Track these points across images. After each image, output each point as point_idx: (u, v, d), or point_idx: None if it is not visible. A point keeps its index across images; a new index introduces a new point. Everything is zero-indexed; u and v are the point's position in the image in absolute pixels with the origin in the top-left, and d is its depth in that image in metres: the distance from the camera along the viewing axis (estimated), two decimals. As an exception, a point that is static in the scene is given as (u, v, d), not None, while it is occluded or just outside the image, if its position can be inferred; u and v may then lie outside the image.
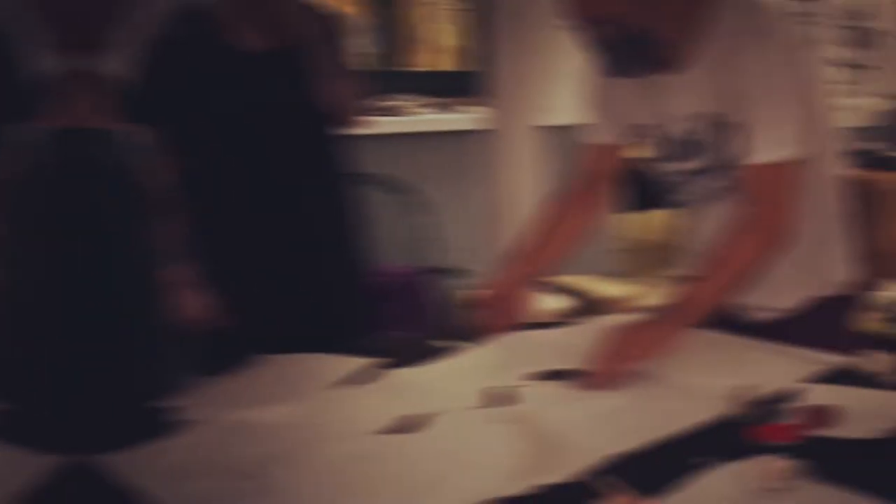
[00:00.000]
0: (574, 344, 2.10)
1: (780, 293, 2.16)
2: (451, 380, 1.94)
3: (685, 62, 2.05)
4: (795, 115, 1.96)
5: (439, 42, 5.91)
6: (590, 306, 4.16)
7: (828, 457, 1.49)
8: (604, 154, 2.31)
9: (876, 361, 1.96)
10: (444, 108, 4.56)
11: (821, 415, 1.60)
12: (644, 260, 6.59)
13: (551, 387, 1.89)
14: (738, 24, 2.00)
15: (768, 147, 1.95)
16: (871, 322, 4.25)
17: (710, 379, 1.85)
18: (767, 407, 1.70)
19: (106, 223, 1.99)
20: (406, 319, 2.91)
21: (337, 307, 2.63)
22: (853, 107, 5.90)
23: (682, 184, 2.19)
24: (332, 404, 1.82)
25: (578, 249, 2.34)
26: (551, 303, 4.08)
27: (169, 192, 2.41)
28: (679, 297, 1.96)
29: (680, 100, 2.09)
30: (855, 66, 5.84)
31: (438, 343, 2.14)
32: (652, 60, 2.02)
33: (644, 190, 7.05)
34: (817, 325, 2.17)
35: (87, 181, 1.96)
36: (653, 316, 1.95)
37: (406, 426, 1.68)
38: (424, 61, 6.12)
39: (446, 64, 5.81)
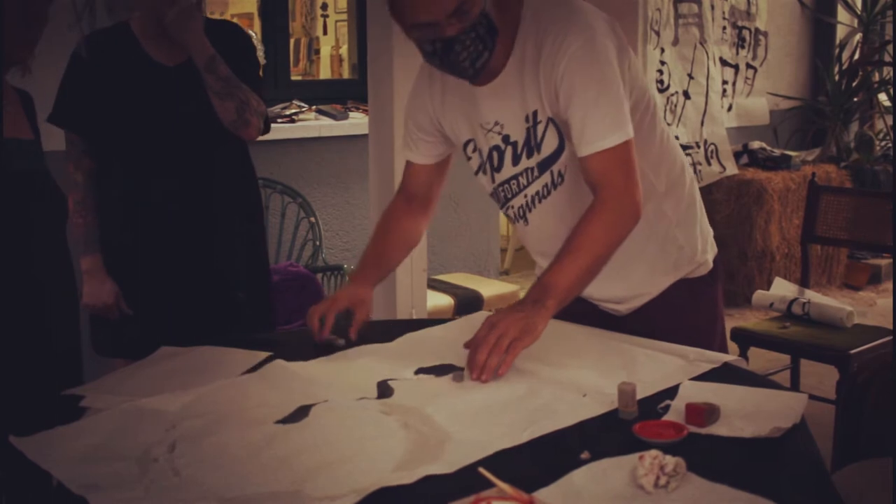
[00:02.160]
0: (459, 340, 2.13)
1: (642, 282, 2.24)
2: (342, 373, 1.99)
3: (502, 66, 2.06)
4: (617, 97, 1.97)
5: (331, 52, 5.92)
6: (474, 303, 4.19)
7: (709, 454, 1.53)
8: (421, 171, 2.33)
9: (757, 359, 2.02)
10: (335, 114, 4.60)
11: (703, 412, 1.64)
12: (524, 258, 6.68)
13: (438, 381, 1.94)
14: (541, 18, 2.03)
15: (600, 134, 1.96)
16: (754, 320, 4.38)
17: (597, 375, 1.88)
18: (652, 404, 1.73)
19: (30, 224, 2.08)
20: (298, 315, 2.95)
21: (239, 303, 2.73)
22: (740, 106, 6.06)
23: (516, 189, 2.18)
24: (230, 394, 1.86)
25: (405, 256, 2.42)
26: (438, 300, 4.10)
27: (81, 191, 2.55)
28: (540, 283, 1.97)
29: (502, 103, 2.09)
30: (740, 66, 5.98)
31: (328, 338, 2.17)
32: (473, 65, 1.99)
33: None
34: (679, 305, 2.25)
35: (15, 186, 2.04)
36: (518, 304, 1.95)
37: (299, 416, 1.73)
38: (316, 70, 6.12)
39: (338, 73, 5.82)
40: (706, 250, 2.29)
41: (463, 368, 1.94)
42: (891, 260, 6.31)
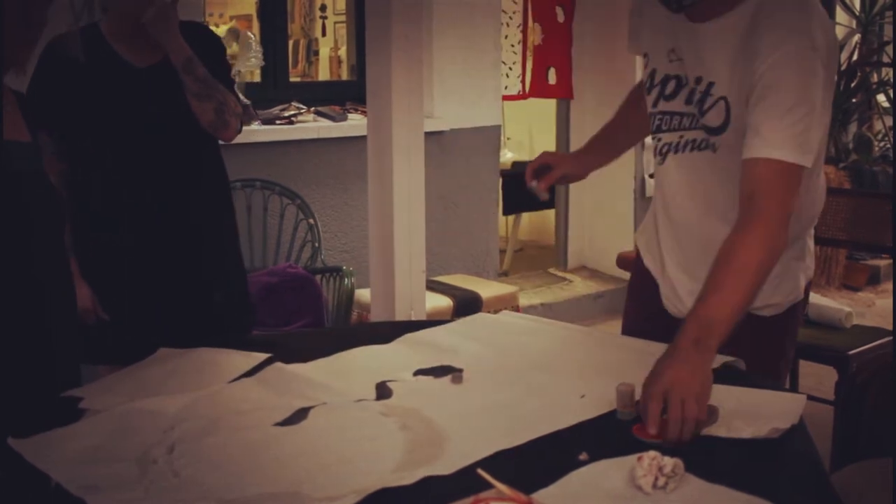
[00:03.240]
0: (458, 341, 2.14)
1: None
2: (340, 374, 1.99)
3: (716, 14, 1.98)
4: (810, 118, 1.88)
5: (330, 53, 5.93)
6: (472, 304, 4.19)
7: (708, 454, 1.53)
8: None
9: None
10: (334, 116, 4.60)
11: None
12: (523, 260, 6.68)
13: (437, 382, 1.94)
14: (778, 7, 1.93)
15: (781, 144, 1.85)
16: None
17: (596, 376, 1.89)
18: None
19: (30, 226, 2.07)
20: (297, 316, 2.95)
21: (217, 305, 2.71)
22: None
23: (675, 126, 2.11)
24: (229, 396, 1.86)
25: (635, 142, 2.51)
26: (437, 301, 4.10)
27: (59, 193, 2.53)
28: (700, 317, 1.75)
29: (699, 46, 2.02)
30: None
31: (328, 339, 2.16)
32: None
33: (520, 193, 7.12)
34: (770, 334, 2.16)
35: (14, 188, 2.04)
36: (680, 346, 1.73)
37: (298, 418, 1.73)
38: (315, 72, 6.12)
39: (336, 74, 5.82)
40: (805, 280, 2.21)
41: (462, 370, 1.94)
42: (889, 261, 6.31)
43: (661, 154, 2.15)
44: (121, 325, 2.61)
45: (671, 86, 2.10)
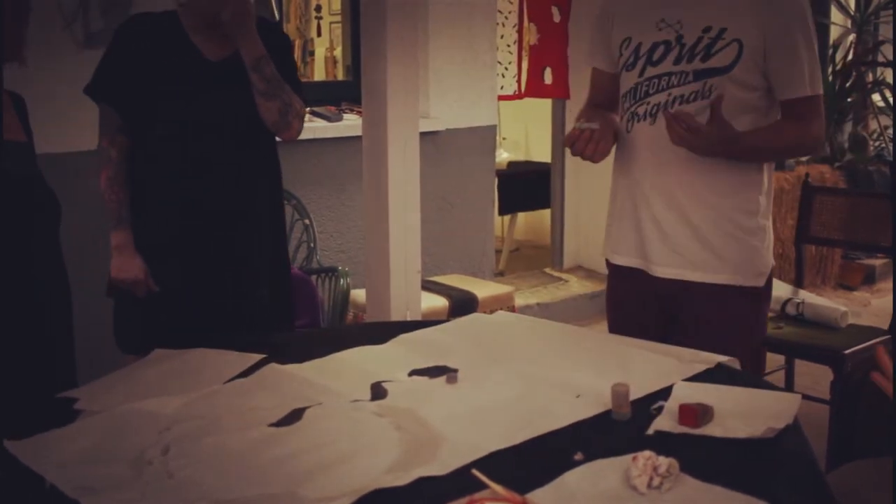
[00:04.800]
0: (454, 342, 2.14)
1: (714, 255, 2.38)
2: (336, 375, 1.99)
3: None
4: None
5: (325, 53, 5.92)
6: (468, 305, 4.19)
7: (703, 454, 1.53)
8: (605, 78, 2.56)
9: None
10: (329, 116, 4.59)
11: (696, 413, 1.64)
12: (518, 260, 6.68)
13: (433, 382, 1.95)
14: None
15: (815, 81, 2.32)
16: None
17: (591, 376, 1.89)
18: (646, 405, 1.73)
19: (26, 228, 2.08)
20: (296, 317, 2.95)
21: (262, 301, 2.71)
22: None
23: (663, 86, 2.36)
24: (225, 397, 1.86)
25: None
26: (432, 301, 4.10)
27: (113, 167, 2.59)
28: (734, 133, 2.26)
29: (700, 7, 2.32)
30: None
31: (324, 339, 2.16)
32: None
33: (515, 193, 7.11)
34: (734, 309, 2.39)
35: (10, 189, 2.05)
36: (718, 127, 2.23)
37: (293, 419, 1.73)
38: (311, 72, 6.11)
39: (332, 74, 5.82)
40: (767, 265, 2.44)
41: (457, 370, 1.95)
42: (885, 260, 6.31)
43: (652, 115, 2.37)
44: (168, 315, 2.60)
45: (659, 51, 2.36)
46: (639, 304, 2.48)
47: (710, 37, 2.30)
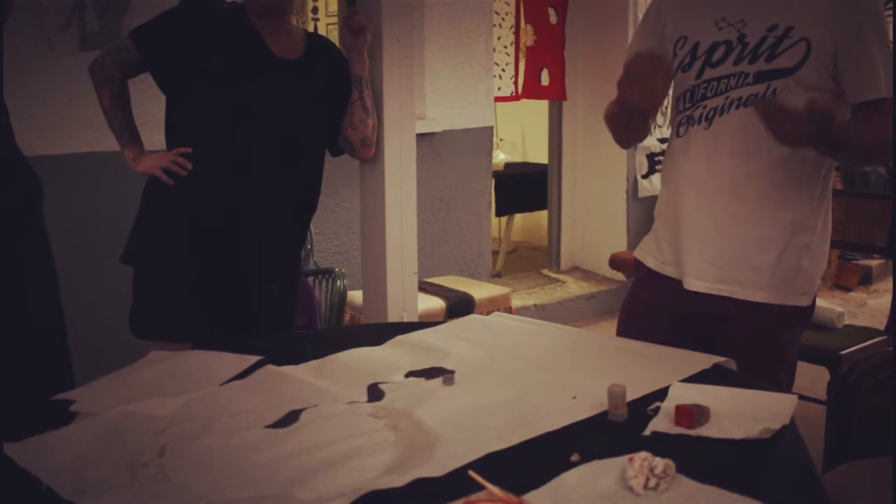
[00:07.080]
0: (450, 343, 2.14)
1: (758, 274, 2.25)
2: (332, 376, 1.99)
3: None
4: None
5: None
6: (465, 306, 4.19)
7: (699, 455, 1.53)
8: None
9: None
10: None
11: (692, 414, 1.64)
12: (515, 261, 6.69)
13: (429, 383, 1.94)
14: None
15: (890, 83, 2.14)
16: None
17: (587, 377, 1.89)
18: (642, 406, 1.73)
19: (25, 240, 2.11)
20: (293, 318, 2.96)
21: (272, 296, 2.74)
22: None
23: (722, 90, 2.24)
24: (220, 399, 1.86)
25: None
26: (429, 303, 4.10)
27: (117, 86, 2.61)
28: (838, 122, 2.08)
29: (764, 4, 2.20)
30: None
31: (321, 340, 2.16)
32: None
33: (511, 194, 7.12)
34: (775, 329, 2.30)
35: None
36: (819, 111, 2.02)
37: (289, 420, 1.73)
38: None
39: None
40: (814, 285, 2.35)
41: (453, 371, 1.95)
42: (881, 261, 6.32)
43: (708, 119, 2.26)
44: (182, 303, 2.61)
45: (720, 52, 2.24)
46: (662, 314, 2.35)
47: (776, 35, 2.17)
